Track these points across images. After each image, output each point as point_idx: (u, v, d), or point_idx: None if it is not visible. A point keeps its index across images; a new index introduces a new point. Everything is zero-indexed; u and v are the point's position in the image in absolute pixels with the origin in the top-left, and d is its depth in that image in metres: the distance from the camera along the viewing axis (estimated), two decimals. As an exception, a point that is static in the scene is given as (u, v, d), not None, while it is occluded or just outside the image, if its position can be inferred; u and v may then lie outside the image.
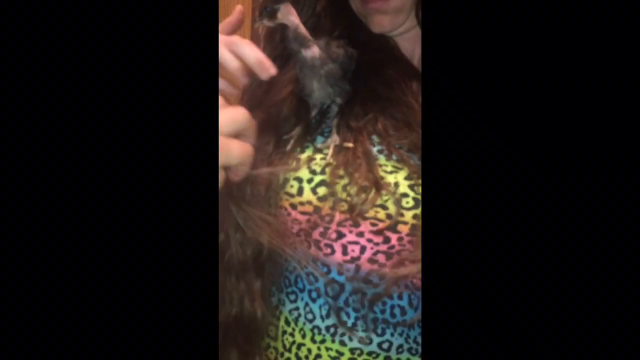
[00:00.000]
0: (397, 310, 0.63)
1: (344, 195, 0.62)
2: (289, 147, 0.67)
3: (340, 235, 0.63)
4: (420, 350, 0.65)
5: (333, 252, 0.64)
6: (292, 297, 0.68)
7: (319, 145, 0.66)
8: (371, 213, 0.61)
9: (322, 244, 0.65)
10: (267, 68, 0.55)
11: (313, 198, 0.64)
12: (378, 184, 0.61)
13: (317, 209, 0.64)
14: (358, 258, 0.63)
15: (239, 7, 0.61)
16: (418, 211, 0.60)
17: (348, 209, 0.62)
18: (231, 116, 0.50)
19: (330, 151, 0.65)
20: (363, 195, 0.61)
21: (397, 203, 0.60)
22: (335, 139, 0.66)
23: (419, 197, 0.61)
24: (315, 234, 0.65)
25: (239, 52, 0.54)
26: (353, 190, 0.62)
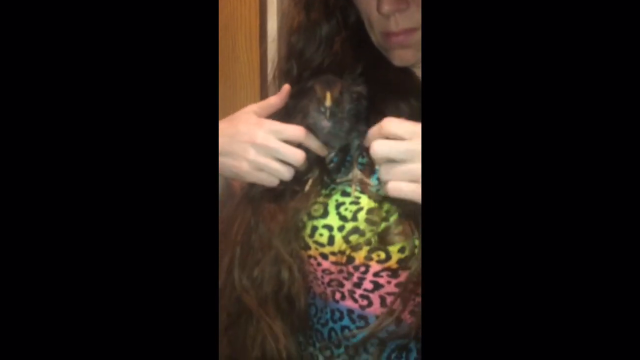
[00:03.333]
0: None
1: (377, 243, 0.57)
2: (307, 187, 0.63)
3: (378, 286, 0.58)
4: None
5: (370, 304, 0.59)
6: (327, 352, 0.63)
7: (338, 180, 0.63)
8: (415, 265, 0.56)
9: (357, 295, 0.60)
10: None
11: (346, 247, 0.59)
12: None
13: (350, 259, 0.59)
14: (400, 310, 0.57)
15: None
16: None
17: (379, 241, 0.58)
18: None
19: (353, 187, 0.61)
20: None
21: None
22: (356, 173, 0.62)
23: None
24: (349, 285, 0.60)
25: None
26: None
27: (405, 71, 0.65)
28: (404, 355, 0.58)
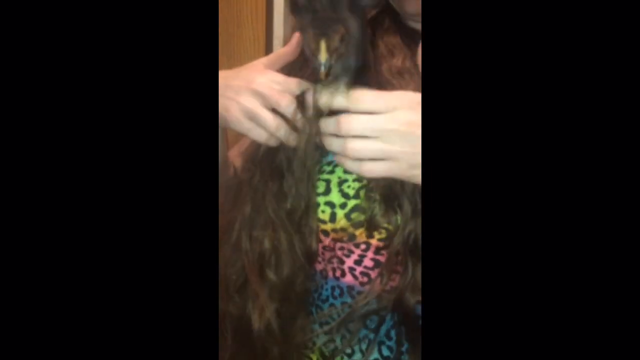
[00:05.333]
0: None
1: (381, 221, 0.58)
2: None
3: (379, 264, 0.59)
4: None
5: (370, 280, 0.60)
6: (327, 327, 0.64)
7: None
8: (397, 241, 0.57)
9: (357, 272, 0.60)
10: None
11: (347, 225, 0.59)
12: None
13: (351, 237, 0.59)
14: (398, 288, 0.58)
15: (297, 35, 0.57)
16: None
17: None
18: None
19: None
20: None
21: None
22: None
23: None
24: (349, 262, 0.60)
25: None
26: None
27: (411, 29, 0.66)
28: (402, 329, 0.59)
